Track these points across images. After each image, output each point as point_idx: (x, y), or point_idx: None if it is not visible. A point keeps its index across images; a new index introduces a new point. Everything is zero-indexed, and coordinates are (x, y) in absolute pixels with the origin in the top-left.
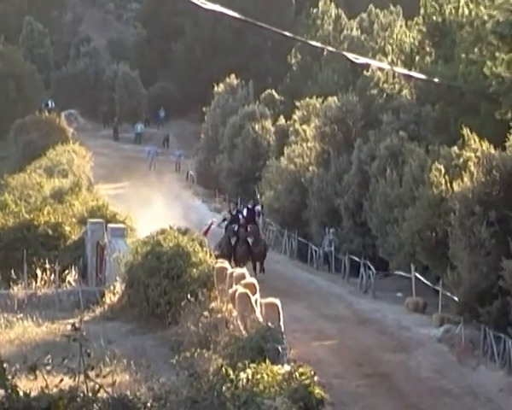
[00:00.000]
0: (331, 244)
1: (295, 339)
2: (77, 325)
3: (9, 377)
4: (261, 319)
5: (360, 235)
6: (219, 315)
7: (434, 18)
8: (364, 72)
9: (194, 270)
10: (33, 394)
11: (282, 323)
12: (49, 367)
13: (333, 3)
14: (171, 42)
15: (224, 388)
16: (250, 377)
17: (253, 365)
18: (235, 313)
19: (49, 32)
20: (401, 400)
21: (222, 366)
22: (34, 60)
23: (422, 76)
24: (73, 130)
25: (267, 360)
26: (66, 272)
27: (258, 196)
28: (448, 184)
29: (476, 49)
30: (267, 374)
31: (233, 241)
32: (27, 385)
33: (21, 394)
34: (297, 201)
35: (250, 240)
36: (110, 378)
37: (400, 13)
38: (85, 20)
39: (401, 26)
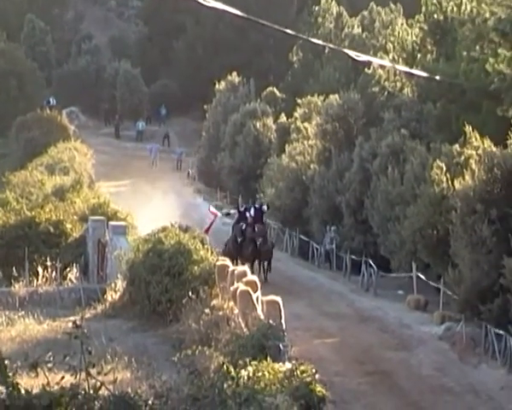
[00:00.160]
0: (332, 242)
1: (296, 337)
2: (78, 322)
3: (11, 374)
4: (262, 317)
5: (361, 233)
6: (220, 313)
7: (435, 16)
8: (366, 69)
9: (196, 267)
10: (34, 391)
11: (283, 321)
12: (50, 365)
13: (334, 1)
14: (172, 39)
15: (225, 385)
16: (251, 374)
17: (254, 362)
18: (236, 311)
19: (51, 30)
20: (402, 398)
21: (223, 363)
22: (36, 57)
23: (424, 74)
24: (75, 127)
25: (268, 358)
26: (68, 269)
27: (262, 194)
28: (449, 182)
29: (478, 47)
30: (268, 372)
31: (239, 240)
32: (28, 383)
33: (23, 391)
34: (298, 198)
35: (258, 240)
36: (111, 376)
37: (401, 10)
38: (87, 17)
39: (402, 24)
